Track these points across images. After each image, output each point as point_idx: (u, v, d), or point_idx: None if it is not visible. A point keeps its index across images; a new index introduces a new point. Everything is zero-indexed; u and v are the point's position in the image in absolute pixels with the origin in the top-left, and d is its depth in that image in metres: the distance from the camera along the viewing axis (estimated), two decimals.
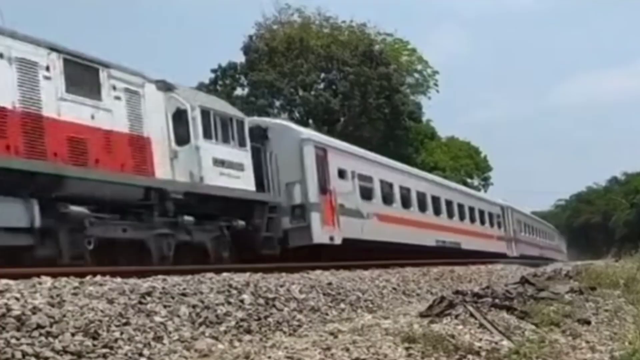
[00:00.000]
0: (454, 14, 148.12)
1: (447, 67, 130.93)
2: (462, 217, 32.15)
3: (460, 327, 8.41)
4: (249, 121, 17.80)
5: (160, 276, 9.89)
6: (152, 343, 7.66)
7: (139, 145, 13.53)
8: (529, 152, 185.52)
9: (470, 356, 7.21)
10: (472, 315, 9.01)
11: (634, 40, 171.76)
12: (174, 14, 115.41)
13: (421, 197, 27.04)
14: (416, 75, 58.12)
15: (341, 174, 21.06)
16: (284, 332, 9.50)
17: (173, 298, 9.02)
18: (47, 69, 11.81)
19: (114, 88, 13.08)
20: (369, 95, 45.57)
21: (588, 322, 10.16)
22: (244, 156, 16.33)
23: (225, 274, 11.00)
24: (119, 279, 9.07)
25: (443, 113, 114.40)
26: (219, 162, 15.26)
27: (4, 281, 7.96)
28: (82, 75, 12.56)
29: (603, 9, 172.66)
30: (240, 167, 15.99)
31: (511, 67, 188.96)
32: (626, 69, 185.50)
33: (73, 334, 7.05)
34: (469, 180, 61.17)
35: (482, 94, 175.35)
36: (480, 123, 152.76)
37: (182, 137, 14.62)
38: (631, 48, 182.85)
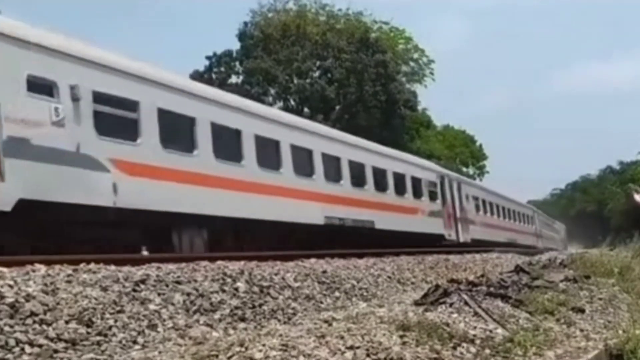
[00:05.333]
0: (453, 5, 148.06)
1: (444, 58, 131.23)
2: None
3: (455, 315, 8.41)
4: None
5: (154, 264, 9.89)
6: (147, 331, 7.66)
7: None
8: (526, 142, 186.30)
9: (464, 344, 7.21)
10: (466, 303, 9.01)
11: (632, 33, 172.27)
12: (170, 1, 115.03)
13: None
14: (412, 63, 58.07)
15: None
16: (279, 320, 9.50)
17: (167, 286, 9.02)
18: None
19: None
20: (364, 82, 45.52)
21: (582, 311, 10.16)
22: None
23: (219, 262, 10.99)
24: (112, 267, 9.05)
25: (439, 102, 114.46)
26: None
27: None
28: None
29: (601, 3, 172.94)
30: None
31: (508, 58, 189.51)
32: (623, 61, 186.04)
33: (67, 322, 7.05)
34: (464, 169, 61.29)
35: (478, 84, 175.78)
36: (477, 112, 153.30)
37: None
38: (627, 41, 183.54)
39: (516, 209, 45.52)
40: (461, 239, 30.32)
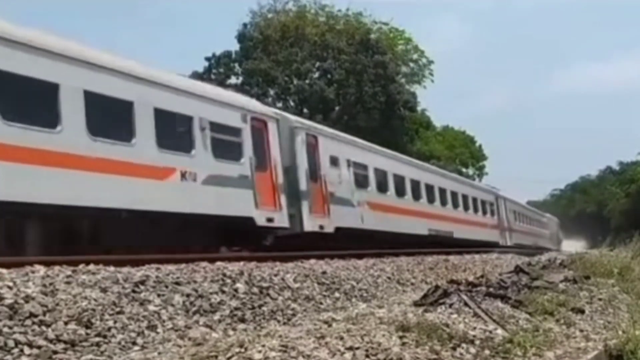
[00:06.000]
0: (453, 6, 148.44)
1: (444, 59, 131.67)
2: None
3: (455, 316, 8.41)
4: None
5: (153, 265, 9.89)
6: (146, 332, 7.66)
7: None
8: (526, 142, 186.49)
9: (464, 345, 7.20)
10: (466, 304, 9.01)
11: (632, 33, 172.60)
12: (169, 2, 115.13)
13: None
14: (411, 64, 58.08)
15: None
16: (278, 321, 9.51)
17: (167, 287, 9.02)
18: None
19: None
20: (364, 83, 45.50)
21: (582, 311, 10.16)
22: None
23: (219, 263, 11.00)
24: (112, 268, 9.06)
25: (439, 103, 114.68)
26: None
27: None
28: None
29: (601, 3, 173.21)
30: None
31: (508, 58, 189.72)
32: (623, 61, 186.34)
33: (66, 323, 7.04)
34: (464, 170, 61.33)
35: (478, 84, 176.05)
36: (477, 113, 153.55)
37: None
38: (627, 41, 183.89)
39: (457, 190, 33.00)
40: (306, 227, 18.69)
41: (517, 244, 41.14)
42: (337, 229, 19.91)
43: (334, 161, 21.07)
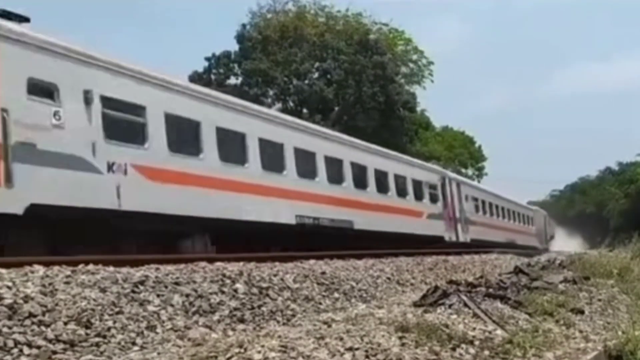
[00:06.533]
0: (452, 6, 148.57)
1: (444, 59, 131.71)
2: None
3: (454, 316, 8.41)
4: None
5: (153, 265, 9.88)
6: (145, 332, 7.65)
7: None
8: (525, 142, 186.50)
9: (464, 345, 7.20)
10: (465, 304, 9.01)
11: (632, 33, 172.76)
12: (169, 2, 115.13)
13: None
14: (411, 65, 58.05)
15: None
16: (278, 322, 9.50)
17: (166, 287, 9.01)
18: None
19: None
20: (363, 84, 45.48)
21: (582, 312, 10.17)
22: None
23: (218, 263, 11.00)
24: (111, 268, 9.04)
25: (438, 103, 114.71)
26: None
27: None
28: None
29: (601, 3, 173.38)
30: None
31: (508, 59, 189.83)
32: (623, 61, 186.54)
33: (66, 323, 7.03)
34: (463, 170, 61.34)
35: (478, 84, 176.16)
36: (476, 113, 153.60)
37: None
38: (627, 41, 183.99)
39: (365, 163, 23.59)
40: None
41: (477, 240, 32.80)
42: (34, 209, 11.19)
43: (38, 88, 11.88)
